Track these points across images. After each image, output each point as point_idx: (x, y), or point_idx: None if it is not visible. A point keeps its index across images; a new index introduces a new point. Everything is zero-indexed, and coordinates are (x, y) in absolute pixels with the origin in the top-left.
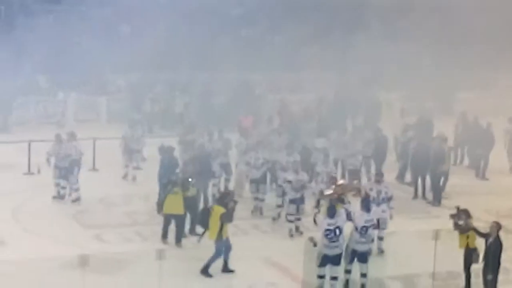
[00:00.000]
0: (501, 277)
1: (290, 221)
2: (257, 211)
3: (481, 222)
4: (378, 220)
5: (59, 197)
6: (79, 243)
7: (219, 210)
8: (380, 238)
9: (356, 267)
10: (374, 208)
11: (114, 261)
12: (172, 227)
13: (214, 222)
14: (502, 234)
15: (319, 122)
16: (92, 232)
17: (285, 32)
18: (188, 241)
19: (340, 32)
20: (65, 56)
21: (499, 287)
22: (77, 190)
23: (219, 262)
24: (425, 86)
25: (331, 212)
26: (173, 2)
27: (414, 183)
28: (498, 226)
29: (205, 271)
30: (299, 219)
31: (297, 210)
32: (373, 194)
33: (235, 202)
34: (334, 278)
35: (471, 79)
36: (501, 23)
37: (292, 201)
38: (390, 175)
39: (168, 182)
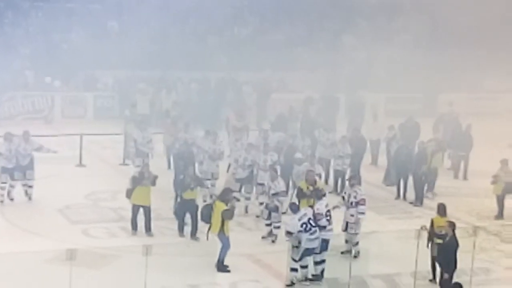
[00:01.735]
0: (482, 277)
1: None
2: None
3: (462, 223)
4: (347, 224)
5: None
6: (66, 237)
7: (220, 206)
8: (354, 244)
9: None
10: (345, 210)
11: (100, 256)
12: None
13: (216, 217)
14: (482, 233)
15: (305, 122)
16: (79, 227)
17: (275, 32)
18: (174, 236)
19: (329, 33)
20: (53, 52)
21: (481, 287)
22: (32, 187)
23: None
24: (411, 87)
25: (294, 208)
26: (163, 0)
27: (397, 184)
28: (452, 226)
29: (221, 267)
30: (277, 227)
31: (270, 215)
32: (345, 197)
33: (237, 200)
34: (305, 267)
35: (458, 81)
36: (488, 25)
37: (261, 204)
38: (371, 176)
39: (140, 175)
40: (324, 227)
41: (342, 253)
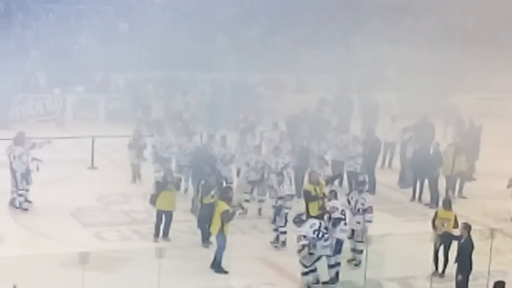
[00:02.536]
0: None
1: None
2: (245, 213)
3: (478, 225)
4: (352, 231)
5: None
6: (78, 240)
7: (222, 206)
8: (357, 252)
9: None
10: (350, 217)
11: (113, 259)
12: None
13: (217, 217)
14: (498, 236)
15: (318, 124)
16: (91, 230)
17: (285, 33)
18: (187, 239)
19: (339, 33)
20: (64, 54)
21: None
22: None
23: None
24: (423, 88)
25: (298, 221)
26: (172, 1)
27: (413, 186)
28: (468, 227)
29: (218, 268)
30: (283, 232)
31: (275, 219)
32: (352, 203)
33: (243, 209)
34: (314, 271)
35: (469, 81)
36: (498, 25)
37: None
38: (386, 178)
39: (163, 180)
40: (339, 220)
41: (348, 261)
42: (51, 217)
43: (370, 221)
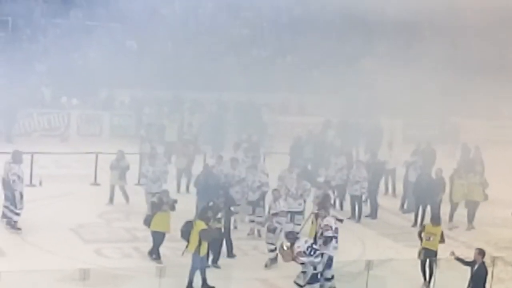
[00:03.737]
0: None
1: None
2: (253, 233)
3: None
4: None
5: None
6: (79, 257)
7: (200, 225)
8: (326, 279)
9: None
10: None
11: (113, 276)
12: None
13: (194, 236)
14: (499, 264)
15: (322, 146)
16: (92, 246)
17: (292, 55)
18: (187, 258)
19: (348, 56)
20: (70, 70)
21: None
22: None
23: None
24: (430, 113)
25: (292, 237)
26: (181, 20)
27: (415, 211)
28: (482, 253)
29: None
30: (272, 250)
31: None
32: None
33: (219, 222)
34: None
35: (477, 107)
36: (507, 52)
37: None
38: (388, 202)
39: (159, 201)
40: (331, 239)
41: None
42: (53, 232)
43: (335, 248)
